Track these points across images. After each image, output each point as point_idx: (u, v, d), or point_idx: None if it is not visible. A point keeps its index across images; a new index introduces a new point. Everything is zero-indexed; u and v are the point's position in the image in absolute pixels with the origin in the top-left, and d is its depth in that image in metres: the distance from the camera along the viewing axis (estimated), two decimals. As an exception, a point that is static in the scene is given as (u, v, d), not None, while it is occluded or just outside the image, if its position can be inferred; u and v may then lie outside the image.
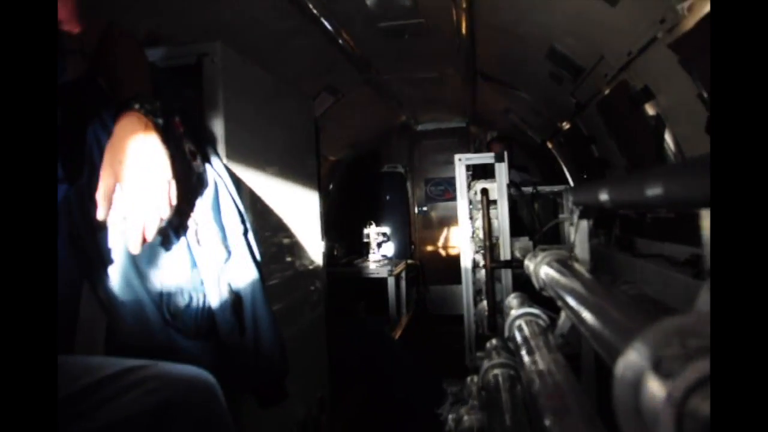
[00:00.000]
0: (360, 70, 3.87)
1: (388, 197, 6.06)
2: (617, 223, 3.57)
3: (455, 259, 6.21)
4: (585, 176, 4.25)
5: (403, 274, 5.03)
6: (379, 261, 5.00)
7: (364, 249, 5.18)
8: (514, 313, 1.76)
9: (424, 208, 6.47)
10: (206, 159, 1.64)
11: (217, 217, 1.60)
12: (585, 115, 3.51)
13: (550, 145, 4.85)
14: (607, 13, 2.23)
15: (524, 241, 3.28)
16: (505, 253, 3.15)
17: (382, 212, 5.95)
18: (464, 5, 2.77)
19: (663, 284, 2.30)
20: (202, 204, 1.55)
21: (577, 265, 1.62)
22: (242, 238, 1.66)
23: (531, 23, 2.85)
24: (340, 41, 3.25)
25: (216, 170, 1.67)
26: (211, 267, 1.53)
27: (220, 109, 1.79)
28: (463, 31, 3.09)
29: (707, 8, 1.73)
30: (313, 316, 2.69)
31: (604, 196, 1.23)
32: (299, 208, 2.58)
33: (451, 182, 6.29)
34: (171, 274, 1.46)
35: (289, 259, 2.47)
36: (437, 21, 3.16)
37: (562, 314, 1.66)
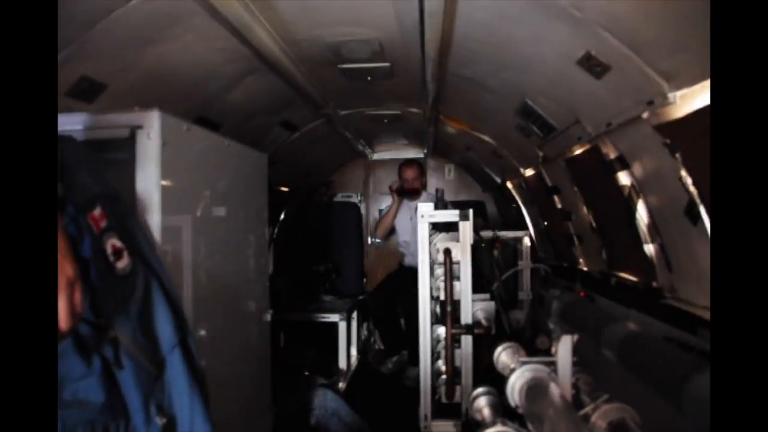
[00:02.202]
0: (317, 107, 3.64)
1: (341, 228, 5.82)
2: (579, 278, 3.48)
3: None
4: (546, 223, 4.17)
5: (355, 314, 4.81)
6: (329, 300, 4.77)
7: (315, 287, 4.92)
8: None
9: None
10: (137, 253, 1.38)
11: (146, 327, 1.34)
12: (550, 166, 3.41)
13: (510, 185, 4.76)
14: (588, 83, 2.12)
15: (485, 303, 3.13)
16: (466, 316, 2.98)
17: (335, 243, 5.71)
18: (434, 55, 2.59)
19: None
20: (127, 314, 1.29)
21: (554, 391, 1.47)
22: (177, 348, 1.41)
23: (504, 79, 2.72)
24: (298, 81, 3.01)
25: (151, 264, 1.41)
26: (137, 390, 1.28)
27: (156, 187, 1.53)
28: (431, 78, 2.92)
29: (702, 103, 1.62)
30: (257, 369, 2.47)
31: (609, 354, 1.08)
32: (247, 258, 2.38)
33: (406, 213, 6.14)
34: (82, 407, 1.20)
35: (231, 305, 2.24)
36: (404, 67, 2.99)
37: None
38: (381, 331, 5.24)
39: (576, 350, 1.55)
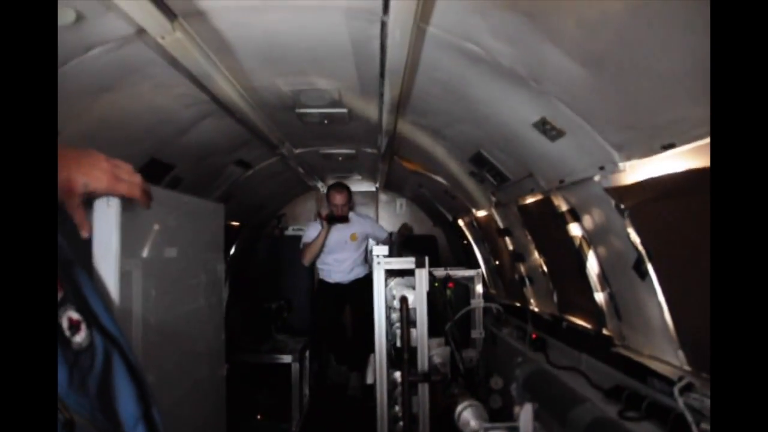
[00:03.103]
0: (272, 147, 3.62)
1: (292, 261, 5.71)
2: (530, 320, 3.56)
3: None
4: (497, 262, 4.26)
5: (307, 354, 4.74)
6: (282, 339, 4.68)
7: (266, 324, 4.82)
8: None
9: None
10: (95, 323, 1.32)
11: (106, 404, 1.28)
12: (503, 209, 3.50)
13: (461, 223, 4.85)
14: (542, 143, 2.20)
15: (441, 348, 3.15)
16: (422, 363, 2.99)
17: (286, 278, 5.62)
18: (391, 106, 2.64)
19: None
20: (85, 392, 1.23)
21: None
22: (141, 422, 1.35)
23: (460, 130, 2.79)
24: (254, 124, 2.99)
25: (110, 333, 1.35)
26: None
27: (115, 259, 1.48)
28: (387, 125, 2.96)
29: (649, 174, 1.72)
30: (209, 412, 2.39)
31: None
32: (204, 308, 2.33)
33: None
34: None
35: (186, 358, 2.19)
36: (362, 113, 3.02)
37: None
38: (337, 355, 5.27)
39: (537, 415, 1.59)
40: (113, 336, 1.36)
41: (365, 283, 4.95)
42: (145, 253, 1.79)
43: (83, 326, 1.27)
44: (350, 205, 4.71)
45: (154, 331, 1.87)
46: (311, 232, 4.66)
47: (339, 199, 4.51)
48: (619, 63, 1.44)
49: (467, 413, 1.84)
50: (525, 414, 1.54)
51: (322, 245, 4.56)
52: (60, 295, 1.23)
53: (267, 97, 2.73)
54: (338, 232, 4.62)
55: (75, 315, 1.25)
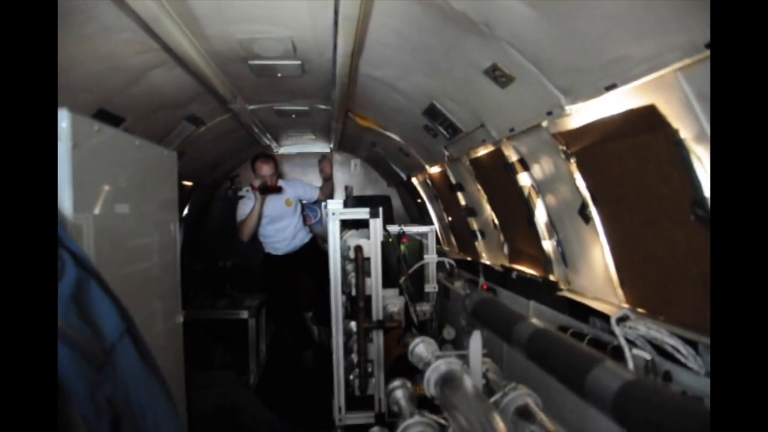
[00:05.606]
0: (225, 102, 3.55)
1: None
2: (482, 272, 3.69)
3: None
4: (450, 219, 4.36)
5: (263, 312, 4.77)
6: (238, 296, 4.69)
7: (221, 282, 4.80)
8: (405, 423, 1.68)
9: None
10: (66, 249, 1.32)
11: (84, 313, 1.28)
12: (455, 165, 3.57)
13: (415, 181, 4.91)
14: (493, 91, 2.26)
15: (395, 298, 3.23)
16: (377, 311, 3.07)
17: (239, 239, 5.59)
18: (346, 56, 2.63)
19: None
20: (61, 295, 1.23)
21: (467, 382, 1.59)
22: (126, 336, 1.36)
23: (413, 81, 2.81)
24: (206, 75, 2.93)
25: (83, 262, 1.34)
26: (80, 380, 1.21)
27: (68, 192, 1.46)
28: (341, 77, 2.95)
29: (593, 117, 1.80)
30: (170, 369, 2.41)
31: (519, 350, 1.21)
32: (159, 256, 2.31)
33: (311, 208, 6.12)
34: None
35: (143, 305, 2.18)
36: (316, 65, 2.99)
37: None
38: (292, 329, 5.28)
39: (485, 344, 1.68)
40: (88, 266, 1.35)
41: (315, 249, 4.96)
42: (98, 205, 1.77)
43: None
44: (278, 173, 4.70)
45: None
46: (244, 209, 4.56)
47: (266, 169, 4.47)
48: (567, 3, 1.49)
49: (420, 348, 1.90)
50: (474, 342, 1.62)
51: (259, 217, 4.51)
52: None
53: (219, 46, 2.67)
54: (272, 201, 4.58)
55: None
